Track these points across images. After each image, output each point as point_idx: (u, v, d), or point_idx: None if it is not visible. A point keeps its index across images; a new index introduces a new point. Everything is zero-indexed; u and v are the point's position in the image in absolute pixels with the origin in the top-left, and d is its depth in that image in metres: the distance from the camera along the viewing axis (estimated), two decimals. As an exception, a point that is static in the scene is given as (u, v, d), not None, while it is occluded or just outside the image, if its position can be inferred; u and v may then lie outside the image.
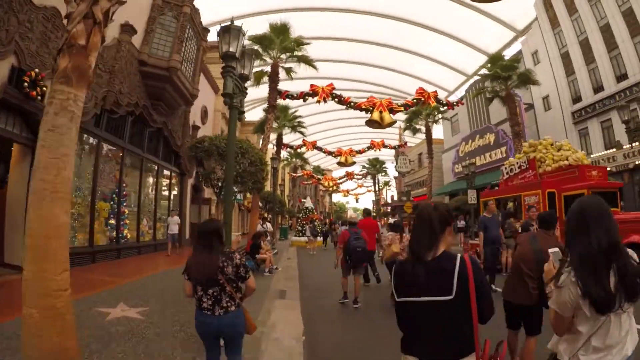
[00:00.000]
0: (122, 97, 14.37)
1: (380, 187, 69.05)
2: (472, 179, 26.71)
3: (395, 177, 70.07)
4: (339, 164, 34.85)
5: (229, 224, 7.05)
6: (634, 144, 21.00)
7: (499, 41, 29.66)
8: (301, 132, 35.51)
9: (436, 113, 37.21)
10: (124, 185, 16.39)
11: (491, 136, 35.97)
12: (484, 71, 28.65)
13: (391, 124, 22.38)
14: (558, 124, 29.80)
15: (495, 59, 27.40)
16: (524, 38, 34.70)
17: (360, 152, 35.26)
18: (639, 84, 23.63)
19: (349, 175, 55.28)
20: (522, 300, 4.63)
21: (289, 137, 38.71)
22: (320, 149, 35.21)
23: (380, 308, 9.30)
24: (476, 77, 39.30)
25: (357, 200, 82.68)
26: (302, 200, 79.85)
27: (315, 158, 73.71)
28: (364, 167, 62.63)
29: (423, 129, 38.92)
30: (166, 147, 20.52)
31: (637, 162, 23.20)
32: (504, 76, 26.03)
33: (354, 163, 34.85)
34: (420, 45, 39.25)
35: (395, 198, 66.06)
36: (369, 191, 75.51)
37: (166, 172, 21.49)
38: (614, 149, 24.69)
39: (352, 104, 21.90)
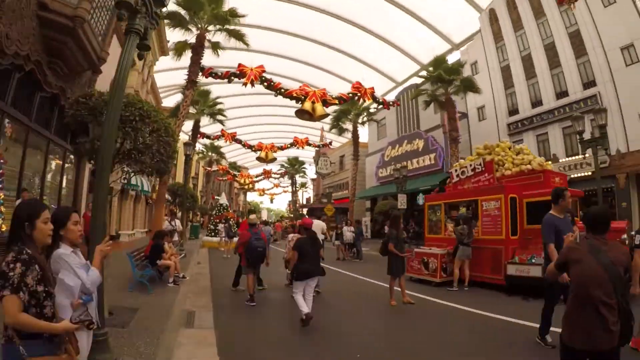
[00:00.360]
0: (9, 43, 10.18)
1: (297, 188, 66.63)
2: (403, 183, 25.05)
3: (313, 179, 68.21)
4: (259, 159, 32.38)
5: (100, 217, 4.77)
6: (577, 157, 22.18)
7: (433, 51, 28.78)
8: (221, 122, 32.86)
9: (365, 114, 35.48)
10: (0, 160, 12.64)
11: (420, 142, 34.79)
12: (423, 73, 27.41)
13: (323, 116, 20.53)
14: (492, 134, 29.14)
15: (439, 62, 26.32)
16: (464, 48, 34.66)
17: (282, 148, 33.01)
18: (579, 101, 24.53)
19: (267, 174, 52.80)
20: (601, 344, 3.19)
21: (208, 129, 35.98)
22: (239, 141, 32.73)
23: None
24: (406, 85, 39.10)
25: (272, 201, 79.77)
26: (216, 197, 76.94)
27: (232, 154, 70.76)
28: (282, 166, 60.09)
29: (349, 129, 37.17)
30: (61, 120, 16.66)
31: (574, 175, 23.18)
32: (447, 79, 24.88)
33: (274, 159, 32.48)
34: (353, 46, 38.82)
35: (312, 200, 63.97)
36: (285, 192, 73.05)
37: (59, 152, 17.62)
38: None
39: (282, 90, 19.40)
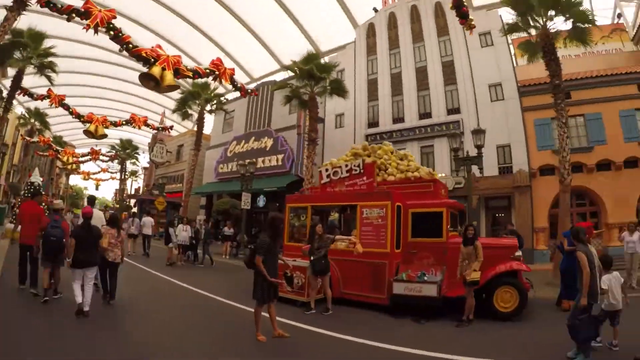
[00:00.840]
0: None
1: (127, 176, 61.20)
2: (249, 181, 23.05)
3: (145, 168, 63.32)
4: (87, 133, 28.07)
5: None
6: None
7: (297, 54, 27.65)
8: (49, 79, 28.35)
9: (215, 101, 32.88)
10: None
11: (269, 141, 32.76)
12: (291, 70, 25.28)
13: (171, 88, 16.66)
14: (347, 142, 27.94)
15: (312, 58, 24.41)
16: (335, 55, 33.95)
17: (116, 124, 29.00)
18: (441, 124, 26.17)
19: (94, 154, 47.60)
20: None
21: (30, 83, 31.06)
22: (67, 107, 28.19)
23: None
24: (262, 82, 37.22)
25: (97, 187, 71.98)
26: (33, 174, 68.52)
27: (59, 127, 63.62)
28: (113, 148, 54.68)
29: (194, 115, 34.29)
30: None
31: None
32: (317, 76, 23.12)
33: (104, 136, 28.28)
34: (215, 29, 37.21)
35: (142, 191, 59.03)
36: (112, 178, 66.77)
37: None
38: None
39: (130, 45, 16.22)
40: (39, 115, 48.48)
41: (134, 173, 67.79)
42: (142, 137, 61.50)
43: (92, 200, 11.81)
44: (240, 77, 38.82)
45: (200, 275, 16.25)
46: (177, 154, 47.99)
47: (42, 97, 27.62)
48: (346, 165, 12.73)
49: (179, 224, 19.95)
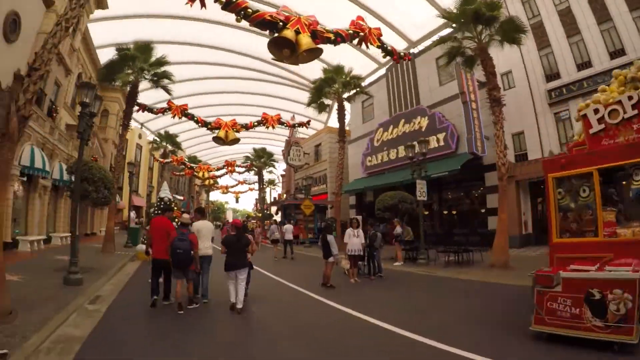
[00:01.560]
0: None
1: (265, 185, 58.44)
2: (422, 165, 17.99)
3: (282, 175, 60.33)
4: (217, 140, 24.92)
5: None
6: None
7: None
8: (166, 90, 25.28)
9: (353, 85, 28.08)
10: None
11: (423, 120, 27.36)
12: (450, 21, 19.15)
13: (312, 53, 13.68)
14: (525, 105, 22.72)
15: None
16: None
17: (247, 127, 25.48)
18: None
19: (229, 166, 44.88)
20: None
21: (146, 99, 28.16)
22: (192, 116, 25.11)
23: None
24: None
25: (237, 200, 71.44)
26: (174, 195, 68.39)
27: (193, 149, 63.07)
28: (247, 158, 52.06)
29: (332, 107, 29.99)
30: None
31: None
32: (487, 17, 16.54)
33: (236, 141, 25.04)
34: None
35: (284, 197, 55.76)
36: (250, 189, 64.92)
37: None
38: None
39: (250, 11, 11.75)
40: (170, 137, 48.35)
41: (271, 182, 65.19)
42: (274, 147, 58.29)
43: (201, 210, 12.34)
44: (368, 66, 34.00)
45: (381, 294, 11.68)
46: (316, 155, 43.95)
47: (162, 111, 24.94)
48: (630, 98, 7.15)
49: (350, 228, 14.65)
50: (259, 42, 33.33)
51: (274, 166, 53.54)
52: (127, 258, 18.81)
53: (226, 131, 24.62)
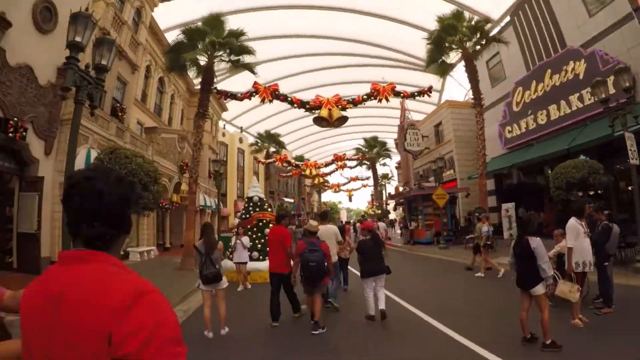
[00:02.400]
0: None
1: (380, 180, 53.02)
2: (629, 109, 12.10)
3: (397, 167, 54.24)
4: (318, 121, 20.27)
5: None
6: None
7: None
8: (250, 69, 20.99)
9: (480, 33, 22.18)
10: None
11: (579, 65, 20.33)
12: None
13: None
14: None
15: None
16: None
17: (355, 102, 20.70)
18: None
19: (338, 160, 40.08)
20: None
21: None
22: (284, 96, 20.68)
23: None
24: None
25: (350, 198, 66.15)
26: (283, 198, 65.14)
27: (300, 151, 59.65)
28: (358, 150, 46.99)
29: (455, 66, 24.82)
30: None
31: None
32: None
33: (343, 120, 20.27)
34: None
35: (401, 189, 49.46)
36: (364, 186, 59.67)
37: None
38: None
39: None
40: (271, 137, 45.89)
41: (385, 176, 59.56)
42: (389, 135, 52.64)
43: (324, 214, 11.37)
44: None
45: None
46: (436, 136, 37.66)
47: (248, 95, 20.61)
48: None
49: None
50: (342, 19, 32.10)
51: (389, 156, 48.07)
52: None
53: (329, 109, 19.94)
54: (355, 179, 56.10)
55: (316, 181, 45.62)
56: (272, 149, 45.20)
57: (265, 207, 16.04)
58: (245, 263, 13.20)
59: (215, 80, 20.68)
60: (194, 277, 12.31)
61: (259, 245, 14.70)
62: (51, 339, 1.34)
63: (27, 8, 13.85)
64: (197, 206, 34.49)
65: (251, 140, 49.99)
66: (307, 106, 20.53)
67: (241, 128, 52.04)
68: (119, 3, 20.99)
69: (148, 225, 24.56)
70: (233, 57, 20.41)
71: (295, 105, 20.69)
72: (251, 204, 15.69)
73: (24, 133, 13.88)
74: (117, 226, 1.53)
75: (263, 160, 41.55)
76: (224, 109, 43.43)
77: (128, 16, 21.79)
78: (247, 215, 15.52)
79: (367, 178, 54.21)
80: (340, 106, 20.12)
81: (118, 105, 21.96)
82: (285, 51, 37.70)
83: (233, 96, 20.86)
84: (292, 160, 42.12)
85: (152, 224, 25.35)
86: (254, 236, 14.86)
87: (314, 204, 74.64)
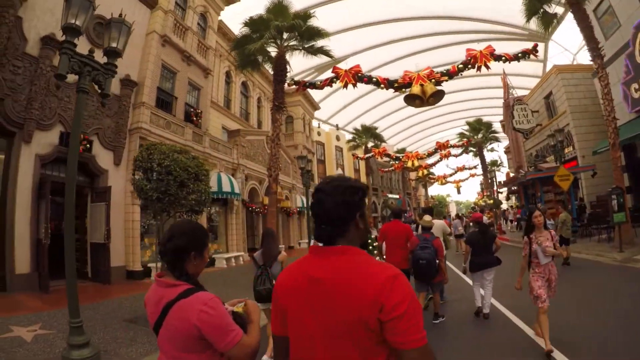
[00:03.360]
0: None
1: (489, 166, 49.15)
2: None
3: (506, 151, 50.16)
4: (411, 99, 18.09)
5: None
6: None
7: None
8: (325, 53, 19.76)
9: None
10: None
11: None
12: None
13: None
14: None
15: None
16: None
17: (449, 73, 18.41)
18: None
19: (442, 149, 37.43)
20: None
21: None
22: (369, 78, 18.81)
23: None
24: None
25: (458, 190, 61.35)
26: (387, 194, 63.04)
27: (401, 144, 57.32)
28: (462, 136, 43.84)
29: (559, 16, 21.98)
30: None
31: None
32: None
33: (439, 95, 17.80)
34: None
35: (512, 175, 45.48)
36: (472, 175, 55.82)
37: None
38: None
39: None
40: (368, 130, 44.01)
41: (494, 163, 55.53)
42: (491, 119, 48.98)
43: (428, 210, 11.10)
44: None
45: None
46: (548, 110, 33.76)
47: (328, 81, 18.98)
48: None
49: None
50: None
51: (496, 139, 44.31)
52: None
53: (421, 85, 17.86)
54: (462, 168, 52.48)
55: (420, 173, 42.86)
56: (370, 144, 43.21)
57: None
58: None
59: (289, 70, 19.47)
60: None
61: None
62: (317, 313, 1.84)
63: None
64: (294, 207, 33.52)
65: (349, 137, 48.33)
66: (396, 84, 18.44)
67: (337, 125, 50.88)
68: (180, 10, 21.17)
69: (237, 229, 24.20)
70: (305, 44, 19.30)
71: (382, 85, 18.59)
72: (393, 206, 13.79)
73: (88, 145, 14.73)
74: (339, 227, 1.93)
75: (361, 156, 39.63)
76: (316, 107, 42.47)
77: (192, 22, 21.88)
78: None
79: (475, 167, 51.00)
80: (433, 80, 17.87)
81: (192, 109, 21.72)
82: (367, 42, 36.10)
83: (312, 85, 19.51)
84: (392, 153, 39.85)
85: (242, 228, 24.86)
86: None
87: (421, 198, 71.68)
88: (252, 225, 28.16)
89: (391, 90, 19.44)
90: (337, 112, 49.88)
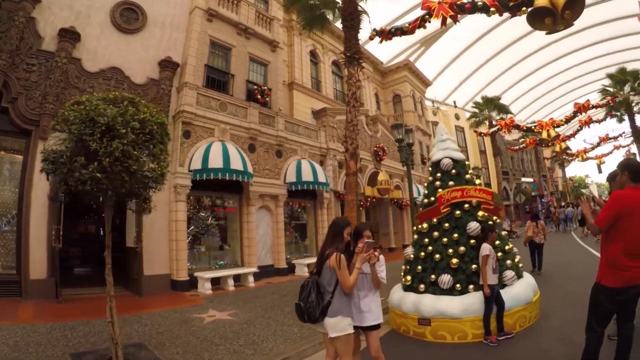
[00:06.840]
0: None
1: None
2: None
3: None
4: (536, 17, 13.14)
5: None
6: None
7: None
8: None
9: None
10: None
11: None
12: None
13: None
14: None
15: None
16: None
17: None
18: None
19: (581, 109, 30.83)
20: None
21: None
22: (472, 5, 14.18)
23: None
24: None
25: (600, 169, 50.00)
26: (520, 178, 55.81)
27: (530, 118, 52.32)
28: (604, 91, 36.39)
29: None
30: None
31: None
32: None
33: (578, 6, 13.12)
34: None
35: None
36: (616, 148, 46.01)
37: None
38: None
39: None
40: (490, 101, 38.61)
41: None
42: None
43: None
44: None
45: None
46: None
47: (418, 21, 14.36)
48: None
49: None
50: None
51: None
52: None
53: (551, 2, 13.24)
54: (606, 138, 43.98)
55: (557, 147, 36.25)
56: (495, 117, 37.71)
57: (469, 177, 8.92)
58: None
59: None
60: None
61: (458, 263, 7.81)
62: None
63: (103, 14, 14.27)
64: (406, 200, 28.39)
65: (469, 116, 43.28)
66: (512, 3, 13.64)
67: (454, 102, 46.31)
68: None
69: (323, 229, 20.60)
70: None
71: (492, 8, 13.85)
72: (438, 174, 9.15)
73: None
74: None
75: (484, 132, 34.27)
76: (427, 83, 37.84)
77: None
78: (432, 198, 8.81)
79: (620, 135, 42.33)
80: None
81: (256, 87, 18.82)
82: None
83: (399, 30, 14.90)
84: (521, 124, 33.90)
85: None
86: (445, 240, 8.05)
87: (558, 180, 63.90)
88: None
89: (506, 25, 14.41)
90: (454, 91, 45.36)
